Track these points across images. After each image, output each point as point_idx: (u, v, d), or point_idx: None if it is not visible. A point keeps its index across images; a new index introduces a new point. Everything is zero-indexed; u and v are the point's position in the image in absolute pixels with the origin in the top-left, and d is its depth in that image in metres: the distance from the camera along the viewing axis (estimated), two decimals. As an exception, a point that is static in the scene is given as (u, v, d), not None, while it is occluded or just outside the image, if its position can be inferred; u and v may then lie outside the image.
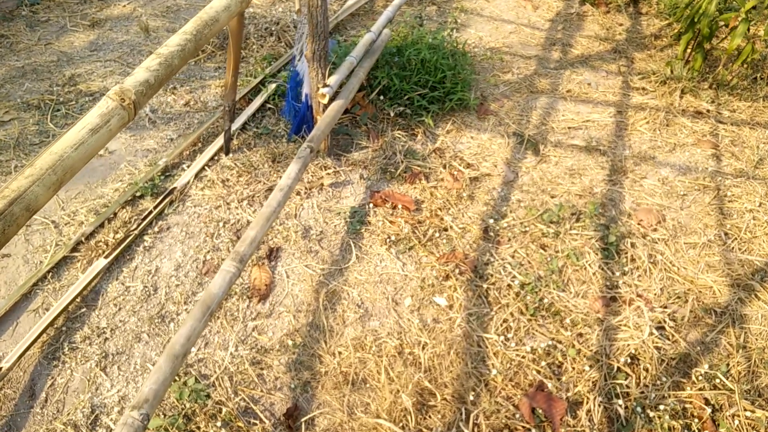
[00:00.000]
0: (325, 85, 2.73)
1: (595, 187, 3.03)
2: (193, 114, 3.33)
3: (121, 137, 3.11)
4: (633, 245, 2.69)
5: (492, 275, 2.54)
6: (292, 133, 3.13)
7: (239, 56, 2.67)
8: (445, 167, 3.09)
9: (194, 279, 2.42)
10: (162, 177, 2.87)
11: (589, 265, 2.61)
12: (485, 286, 2.49)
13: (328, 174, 2.97)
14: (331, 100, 2.87)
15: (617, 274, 2.57)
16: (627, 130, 3.46)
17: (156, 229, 2.59)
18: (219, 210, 2.71)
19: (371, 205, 2.84)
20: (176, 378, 2.11)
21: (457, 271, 2.54)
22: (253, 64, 3.77)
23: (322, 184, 2.90)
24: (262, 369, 2.18)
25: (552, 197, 2.96)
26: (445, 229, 2.74)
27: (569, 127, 3.48)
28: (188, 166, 2.91)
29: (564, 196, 2.97)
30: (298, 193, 2.85)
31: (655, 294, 2.50)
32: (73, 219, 2.61)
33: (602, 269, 2.59)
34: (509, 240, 2.71)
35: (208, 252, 2.53)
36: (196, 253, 2.52)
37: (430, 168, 3.07)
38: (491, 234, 2.73)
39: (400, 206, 2.81)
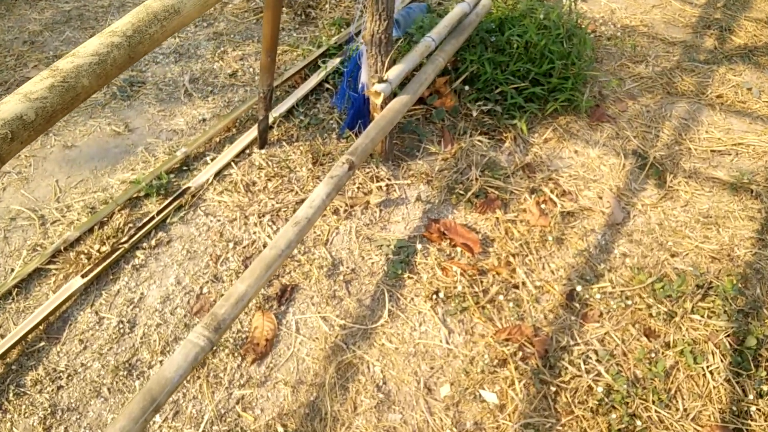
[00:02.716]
0: (381, 80, 2.07)
1: (738, 247, 2.21)
2: (237, 88, 2.79)
3: (148, 111, 2.63)
4: (781, 351, 1.90)
5: (567, 368, 1.86)
6: (345, 128, 2.52)
7: (277, 29, 2.06)
8: (532, 193, 2.37)
9: (181, 319, 1.93)
10: (175, 173, 2.37)
11: (712, 372, 1.86)
12: (555, 383, 1.82)
13: (379, 188, 2.35)
14: (393, 95, 2.22)
15: (750, 396, 1.81)
16: (795, 164, 2.55)
17: (153, 242, 2.11)
18: (233, 225, 2.19)
19: (424, 238, 2.20)
20: (126, 461, 1.65)
21: (519, 354, 1.88)
22: (321, 29, 3.14)
23: (367, 203, 2.29)
24: (235, 463, 1.67)
25: (672, 256, 2.18)
26: (516, 287, 2.07)
27: (712, 151, 2.61)
28: (212, 159, 2.39)
29: (690, 255, 2.18)
30: (336, 212, 2.26)
31: (806, 437, 1.73)
32: (64, 216, 2.18)
33: (729, 382, 1.84)
34: (601, 316, 2.00)
35: (207, 283, 2.02)
36: (192, 282, 2.02)
37: (512, 192, 2.37)
38: (577, 303, 2.03)
39: (460, 248, 2.15)
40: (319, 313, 1.97)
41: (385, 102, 2.23)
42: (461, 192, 2.34)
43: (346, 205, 2.27)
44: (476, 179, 2.39)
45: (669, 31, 3.34)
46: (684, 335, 1.94)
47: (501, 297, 2.02)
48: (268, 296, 2.00)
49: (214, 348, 1.84)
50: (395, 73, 2.11)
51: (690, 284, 2.06)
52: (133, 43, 1.10)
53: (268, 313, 1.95)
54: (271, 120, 2.53)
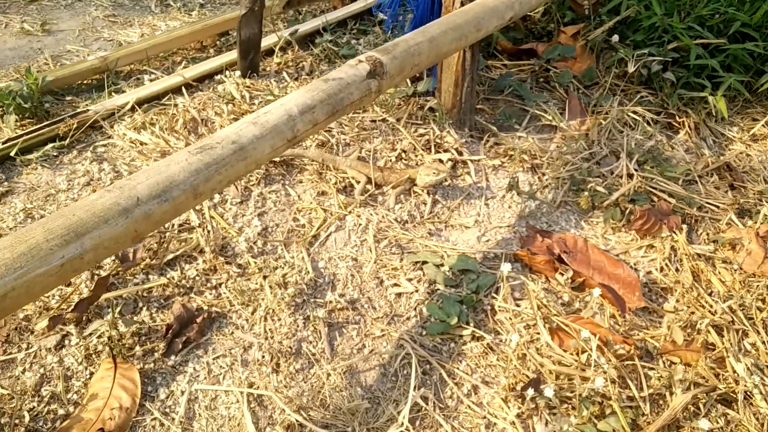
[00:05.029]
0: None
1: None
2: (243, 7, 1.78)
3: (91, 15, 1.66)
4: None
5: None
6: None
7: None
8: (742, 215, 1.17)
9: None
10: (80, 91, 1.35)
11: None
12: None
13: (440, 162, 1.22)
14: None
15: None
16: None
17: (-28, 188, 1.07)
18: (139, 180, 1.11)
19: (519, 262, 1.04)
20: None
21: None
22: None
23: (412, 182, 1.16)
24: None
25: None
26: (726, 400, 0.85)
27: None
28: (153, 80, 1.36)
29: None
30: (345, 189, 1.15)
31: None
32: None
33: None
34: None
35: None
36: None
37: (702, 207, 1.18)
38: None
39: (598, 290, 0.97)
40: (250, 385, 0.83)
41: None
42: (600, 191, 1.17)
43: (369, 179, 1.15)
44: (630, 175, 1.22)
45: None
46: None
47: (694, 425, 0.80)
48: (150, 329, 0.88)
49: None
50: None
51: None
52: None
53: (130, 368, 0.82)
54: (275, 39, 1.49)
